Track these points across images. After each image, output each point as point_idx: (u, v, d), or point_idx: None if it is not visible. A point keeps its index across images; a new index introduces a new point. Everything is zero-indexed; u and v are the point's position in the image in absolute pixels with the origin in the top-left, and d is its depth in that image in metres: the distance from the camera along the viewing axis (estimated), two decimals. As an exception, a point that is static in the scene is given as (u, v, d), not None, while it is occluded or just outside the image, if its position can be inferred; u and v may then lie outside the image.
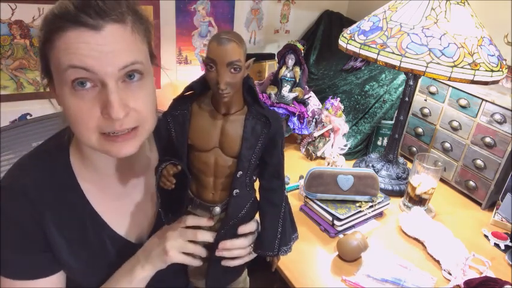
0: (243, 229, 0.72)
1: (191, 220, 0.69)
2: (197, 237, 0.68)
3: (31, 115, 1.38)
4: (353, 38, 1.12)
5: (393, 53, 1.01)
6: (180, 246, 0.68)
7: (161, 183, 0.64)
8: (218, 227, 0.70)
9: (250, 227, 0.73)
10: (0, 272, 0.64)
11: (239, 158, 0.64)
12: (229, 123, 0.63)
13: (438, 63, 0.98)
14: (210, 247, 0.72)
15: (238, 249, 0.72)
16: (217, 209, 0.68)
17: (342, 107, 1.50)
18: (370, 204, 1.14)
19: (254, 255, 0.76)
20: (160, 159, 0.66)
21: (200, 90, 0.65)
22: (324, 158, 1.47)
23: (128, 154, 0.61)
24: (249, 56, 0.61)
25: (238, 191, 0.67)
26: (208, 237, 0.69)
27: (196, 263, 0.71)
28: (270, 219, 0.71)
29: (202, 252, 0.70)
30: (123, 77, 0.57)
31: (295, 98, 1.54)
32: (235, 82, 0.59)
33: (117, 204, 0.72)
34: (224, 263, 0.73)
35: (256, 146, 0.64)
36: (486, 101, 1.23)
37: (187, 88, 0.65)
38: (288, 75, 1.53)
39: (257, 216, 0.76)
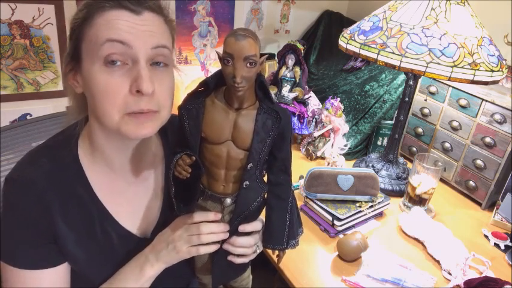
0: (244, 227, 0.73)
1: (198, 216, 0.70)
2: (201, 230, 0.69)
3: (31, 115, 1.38)
4: (353, 38, 1.12)
5: (393, 53, 1.01)
6: (189, 240, 0.69)
7: (176, 173, 0.66)
8: (229, 219, 0.72)
9: (254, 225, 0.75)
10: (6, 260, 0.65)
11: (250, 151, 0.66)
12: (241, 117, 0.66)
13: (438, 63, 0.97)
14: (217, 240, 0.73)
15: (242, 248, 0.74)
16: (228, 200, 0.70)
17: (342, 107, 1.50)
18: (370, 204, 1.14)
19: (259, 251, 0.78)
20: (174, 151, 0.68)
21: (213, 86, 0.68)
22: (324, 158, 1.47)
23: (145, 135, 0.63)
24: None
25: (248, 183, 0.69)
26: (213, 227, 0.70)
27: (212, 248, 0.71)
28: (278, 213, 0.73)
29: (212, 238, 0.71)
30: (151, 61, 0.61)
31: (295, 98, 1.54)
32: (250, 76, 0.62)
33: (124, 198, 0.73)
34: (230, 258, 0.74)
35: (267, 140, 0.66)
36: (486, 101, 1.23)
37: (202, 84, 0.68)
38: (288, 75, 1.53)
39: (261, 216, 0.77)
